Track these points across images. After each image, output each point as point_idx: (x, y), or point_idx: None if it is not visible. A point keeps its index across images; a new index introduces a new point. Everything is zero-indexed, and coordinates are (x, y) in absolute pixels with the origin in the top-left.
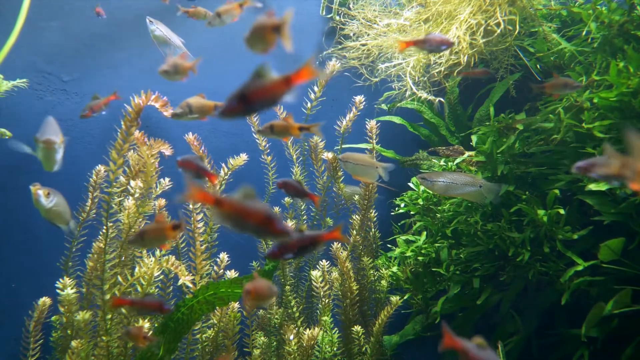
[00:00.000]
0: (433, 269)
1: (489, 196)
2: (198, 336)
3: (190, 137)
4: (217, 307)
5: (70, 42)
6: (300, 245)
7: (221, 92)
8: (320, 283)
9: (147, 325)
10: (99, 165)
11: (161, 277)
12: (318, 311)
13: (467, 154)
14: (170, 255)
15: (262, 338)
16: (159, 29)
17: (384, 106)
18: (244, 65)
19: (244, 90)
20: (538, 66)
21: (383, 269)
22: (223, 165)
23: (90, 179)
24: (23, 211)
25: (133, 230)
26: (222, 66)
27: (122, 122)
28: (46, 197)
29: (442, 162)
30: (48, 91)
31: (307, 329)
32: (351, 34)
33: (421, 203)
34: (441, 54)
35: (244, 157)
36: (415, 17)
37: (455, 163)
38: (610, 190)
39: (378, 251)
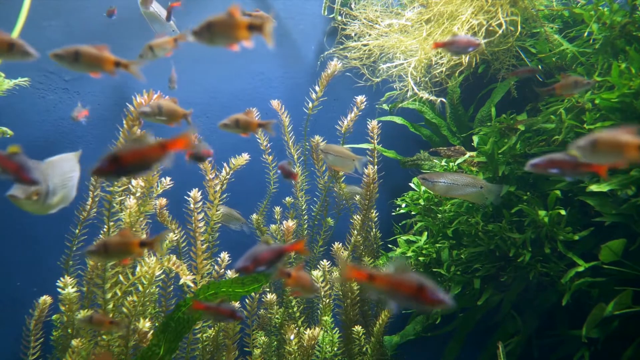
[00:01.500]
0: (434, 270)
1: (490, 197)
2: (199, 335)
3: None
4: None
5: (71, 41)
6: (269, 258)
7: (221, 92)
8: (321, 283)
9: (147, 324)
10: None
11: (162, 276)
12: (319, 311)
13: (468, 154)
14: (171, 255)
15: (263, 338)
16: (152, 6)
17: (385, 106)
18: (245, 65)
19: (118, 152)
20: (540, 67)
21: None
22: (225, 165)
23: (91, 178)
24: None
25: (134, 229)
26: (222, 66)
27: (124, 122)
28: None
29: (443, 163)
30: (49, 90)
31: (308, 329)
32: (353, 34)
33: (422, 203)
34: (442, 54)
35: (245, 156)
36: (416, 18)
37: (456, 163)
38: (612, 191)
39: (379, 251)
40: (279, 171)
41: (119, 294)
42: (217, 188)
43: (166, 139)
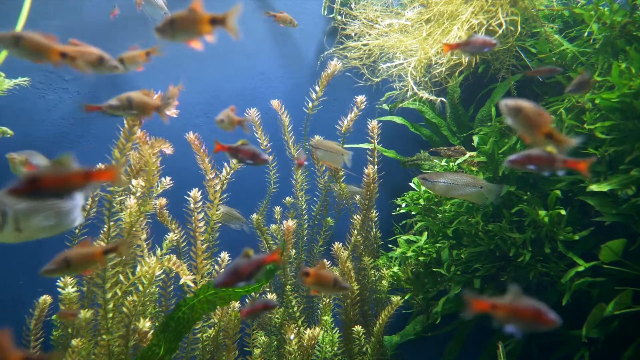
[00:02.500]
0: (434, 269)
1: (490, 197)
2: (199, 335)
3: (191, 136)
4: (218, 307)
5: None
6: (249, 272)
7: (221, 92)
8: None
9: (148, 324)
10: (99, 164)
11: (162, 276)
12: (319, 311)
13: (468, 154)
14: (171, 255)
15: (263, 337)
16: None
17: (385, 106)
18: (245, 65)
19: (37, 174)
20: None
21: (384, 269)
22: (225, 164)
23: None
24: None
25: (134, 229)
26: (223, 66)
27: (125, 122)
28: (25, 165)
29: (443, 163)
30: (50, 90)
31: (308, 329)
32: (353, 34)
33: (422, 203)
34: (441, 54)
35: None
36: (417, 17)
37: (456, 163)
38: (612, 191)
39: (379, 251)
40: (279, 171)
41: (119, 293)
42: (217, 188)
43: (91, 169)
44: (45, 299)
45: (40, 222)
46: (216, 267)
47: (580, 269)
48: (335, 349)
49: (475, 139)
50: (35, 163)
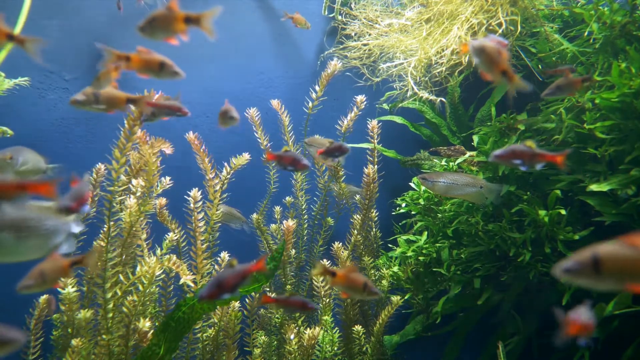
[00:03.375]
0: (434, 269)
1: (490, 197)
2: (199, 335)
3: (190, 136)
4: (218, 306)
5: (71, 41)
6: (234, 283)
7: (221, 91)
8: (321, 282)
9: (148, 324)
10: (99, 164)
11: (162, 276)
12: (319, 311)
13: (468, 154)
14: (171, 254)
15: (263, 337)
16: None
17: (385, 106)
18: (245, 65)
19: None
20: (540, 66)
21: (384, 269)
22: (225, 164)
23: (91, 177)
24: None
25: (134, 229)
26: (223, 66)
27: (126, 121)
28: (10, 161)
29: (443, 162)
30: (50, 89)
31: (308, 329)
32: (353, 34)
33: (422, 203)
34: (442, 54)
35: (246, 156)
36: (416, 17)
37: (456, 163)
38: (612, 191)
39: (379, 251)
40: (279, 171)
41: (119, 293)
42: (217, 187)
43: (28, 181)
44: (46, 298)
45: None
46: (216, 267)
47: None
48: (335, 348)
49: (475, 138)
50: (22, 159)
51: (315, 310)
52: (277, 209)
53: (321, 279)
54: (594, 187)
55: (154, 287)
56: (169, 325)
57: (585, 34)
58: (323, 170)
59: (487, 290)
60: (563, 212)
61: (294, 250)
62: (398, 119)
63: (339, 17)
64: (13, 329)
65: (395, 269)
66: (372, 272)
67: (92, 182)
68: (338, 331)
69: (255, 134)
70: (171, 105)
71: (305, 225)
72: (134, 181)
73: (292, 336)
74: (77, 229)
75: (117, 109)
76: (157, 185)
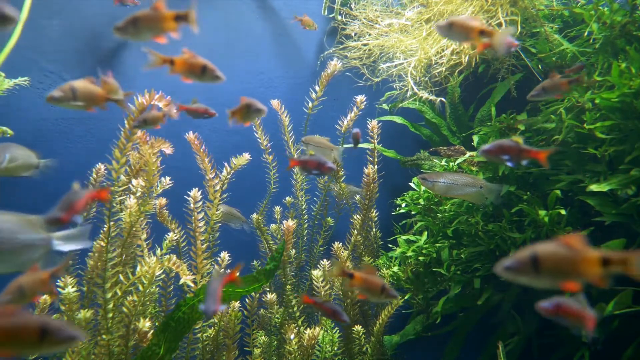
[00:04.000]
0: (434, 269)
1: (490, 197)
2: (199, 335)
3: (190, 136)
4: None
5: (71, 41)
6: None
7: (221, 91)
8: (321, 282)
9: (148, 324)
10: (99, 164)
11: (162, 276)
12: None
13: (468, 154)
14: (171, 254)
15: (263, 337)
16: None
17: (385, 106)
18: (245, 65)
19: None
20: (540, 67)
21: (384, 269)
22: (225, 164)
23: (91, 177)
24: (23, 209)
25: (134, 229)
26: (223, 66)
27: (126, 122)
28: None
29: (443, 162)
30: (49, 90)
31: (308, 329)
32: (353, 34)
33: (422, 203)
34: (442, 54)
35: (246, 156)
36: (416, 17)
37: (456, 163)
38: (612, 191)
39: (379, 251)
40: (279, 171)
41: (119, 293)
42: (217, 187)
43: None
44: (46, 298)
45: None
46: (216, 267)
47: None
48: (335, 348)
49: (475, 138)
50: (10, 156)
51: (345, 323)
52: (277, 209)
53: (321, 279)
54: (594, 187)
55: (154, 287)
56: (169, 325)
57: (585, 34)
58: None
59: (487, 290)
60: (563, 212)
61: (294, 250)
62: (398, 119)
63: (339, 17)
64: (74, 327)
65: (395, 269)
66: None
67: (91, 183)
68: (338, 331)
69: (255, 134)
70: (198, 108)
71: (305, 225)
72: (134, 181)
73: (292, 336)
74: (65, 247)
75: (96, 106)
76: (157, 185)
